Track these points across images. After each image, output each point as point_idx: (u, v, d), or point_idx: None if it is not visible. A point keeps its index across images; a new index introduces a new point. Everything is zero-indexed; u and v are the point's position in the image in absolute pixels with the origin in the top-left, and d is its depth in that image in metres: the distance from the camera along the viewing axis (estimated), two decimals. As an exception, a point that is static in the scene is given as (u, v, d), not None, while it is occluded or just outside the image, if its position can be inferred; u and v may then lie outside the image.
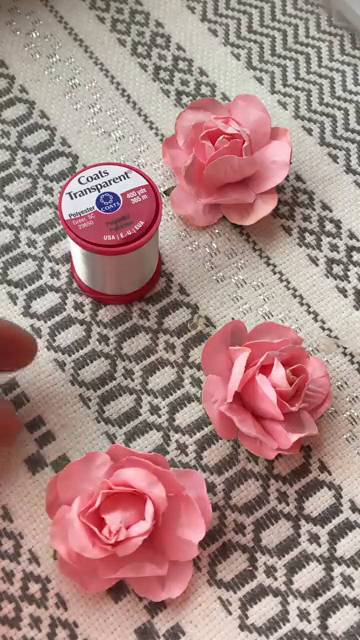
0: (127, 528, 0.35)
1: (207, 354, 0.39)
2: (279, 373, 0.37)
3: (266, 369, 0.38)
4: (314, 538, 0.39)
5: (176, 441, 0.41)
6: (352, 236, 0.47)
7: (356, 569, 0.38)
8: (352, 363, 0.43)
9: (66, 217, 0.39)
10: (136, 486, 0.35)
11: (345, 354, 0.43)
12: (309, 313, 0.44)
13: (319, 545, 0.39)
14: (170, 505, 0.36)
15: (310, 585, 0.38)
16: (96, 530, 0.34)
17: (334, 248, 0.46)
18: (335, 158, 0.49)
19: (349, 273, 0.46)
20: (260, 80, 0.52)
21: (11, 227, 0.46)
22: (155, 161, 0.49)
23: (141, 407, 0.42)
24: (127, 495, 0.36)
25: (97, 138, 0.49)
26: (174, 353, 0.43)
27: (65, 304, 0.44)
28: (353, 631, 0.37)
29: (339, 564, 0.38)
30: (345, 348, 0.43)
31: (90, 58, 0.52)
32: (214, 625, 0.37)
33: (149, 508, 0.35)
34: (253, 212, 0.46)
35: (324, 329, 0.44)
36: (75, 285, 0.45)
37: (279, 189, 0.48)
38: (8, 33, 0.53)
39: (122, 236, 0.39)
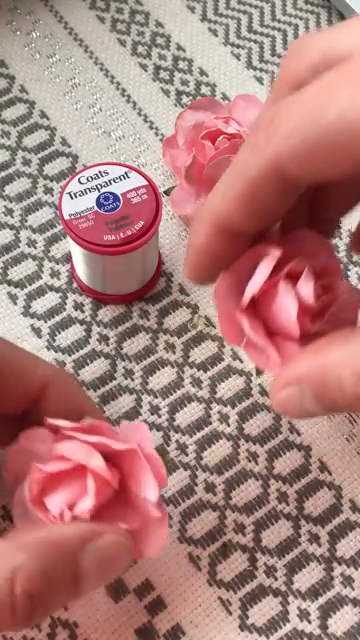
0: (71, 508, 0.33)
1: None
2: (307, 283, 0.30)
3: (292, 278, 0.31)
4: (314, 538, 0.39)
5: (176, 441, 0.41)
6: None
7: (356, 569, 0.38)
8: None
9: (66, 217, 0.39)
10: (73, 459, 0.33)
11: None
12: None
13: (319, 545, 0.39)
14: (123, 463, 0.34)
15: (310, 585, 0.38)
16: (43, 517, 0.33)
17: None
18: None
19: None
20: (260, 80, 0.52)
21: (11, 227, 0.46)
22: (155, 161, 0.49)
23: (141, 407, 0.42)
24: (68, 471, 0.33)
25: (97, 138, 0.49)
26: (174, 353, 0.43)
27: (65, 304, 0.44)
28: (353, 631, 0.37)
29: (339, 564, 0.38)
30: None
31: (90, 58, 0.52)
32: (214, 625, 0.37)
33: (90, 482, 0.33)
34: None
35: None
36: (75, 285, 0.45)
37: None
38: (8, 33, 0.53)
39: (122, 236, 0.39)
